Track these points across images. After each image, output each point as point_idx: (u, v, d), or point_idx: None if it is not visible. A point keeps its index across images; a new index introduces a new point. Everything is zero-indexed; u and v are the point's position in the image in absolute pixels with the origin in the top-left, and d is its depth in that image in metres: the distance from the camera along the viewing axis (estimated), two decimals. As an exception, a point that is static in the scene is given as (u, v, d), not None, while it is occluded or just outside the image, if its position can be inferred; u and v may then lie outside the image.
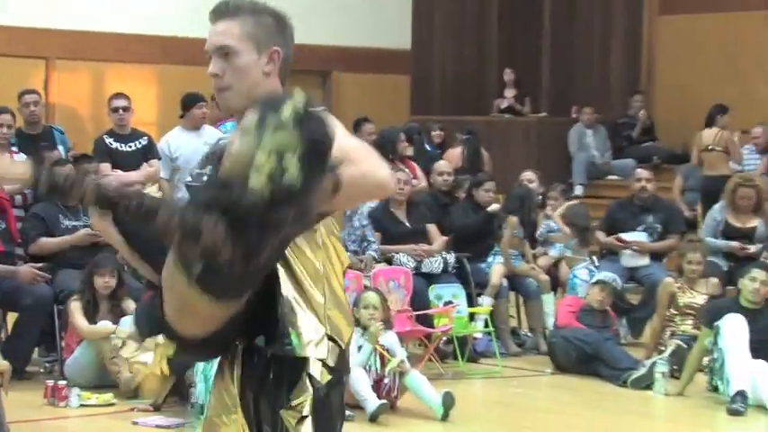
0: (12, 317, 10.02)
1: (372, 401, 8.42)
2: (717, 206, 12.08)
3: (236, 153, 3.05)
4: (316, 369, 3.41)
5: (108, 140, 11.54)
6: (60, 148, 11.54)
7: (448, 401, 8.57)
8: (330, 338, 3.44)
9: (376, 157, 3.35)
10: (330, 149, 3.14)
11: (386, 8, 18.35)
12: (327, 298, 3.48)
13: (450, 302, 10.76)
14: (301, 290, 3.43)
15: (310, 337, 3.41)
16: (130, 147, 11.62)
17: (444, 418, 8.56)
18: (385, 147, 12.68)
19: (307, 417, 3.39)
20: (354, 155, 3.28)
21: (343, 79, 18.00)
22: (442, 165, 12.53)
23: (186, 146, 11.37)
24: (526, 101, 18.94)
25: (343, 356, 3.48)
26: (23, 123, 11.65)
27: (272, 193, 3.00)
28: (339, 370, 3.46)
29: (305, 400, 3.39)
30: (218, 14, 3.60)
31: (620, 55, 19.03)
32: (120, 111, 11.68)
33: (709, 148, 15.50)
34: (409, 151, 13.64)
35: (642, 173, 12.40)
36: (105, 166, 11.15)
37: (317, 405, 3.40)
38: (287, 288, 3.41)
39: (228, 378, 3.49)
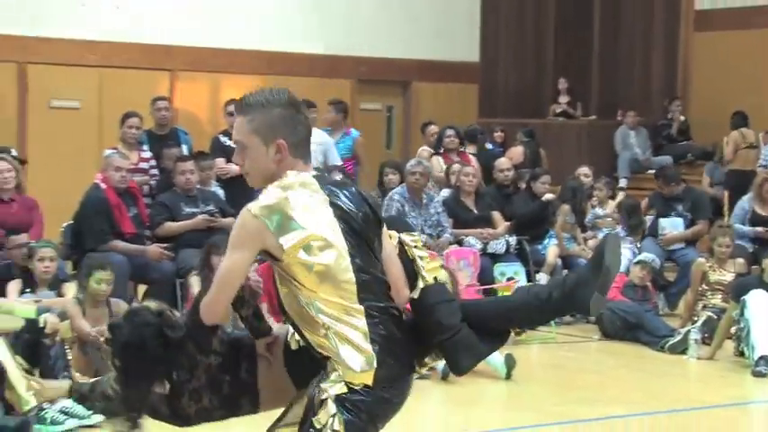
0: (141, 289, 10.16)
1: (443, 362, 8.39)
2: (745, 197, 12.02)
3: None
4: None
5: (223, 139, 11.61)
6: (184, 146, 11.63)
7: (510, 363, 8.54)
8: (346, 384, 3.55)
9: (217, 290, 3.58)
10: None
11: (458, 27, 18.28)
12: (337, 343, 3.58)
13: (511, 278, 10.74)
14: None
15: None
16: (242, 144, 11.70)
17: (507, 377, 8.53)
18: (437, 141, 13.15)
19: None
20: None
21: (421, 88, 17.97)
22: (502, 162, 12.47)
23: None
24: (578, 106, 18.87)
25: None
26: (154, 125, 11.76)
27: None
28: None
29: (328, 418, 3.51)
30: (236, 109, 3.76)
31: (660, 66, 18.84)
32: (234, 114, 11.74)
33: (754, 145, 15.48)
34: (471, 149, 13.70)
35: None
36: (220, 161, 11.22)
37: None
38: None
39: None
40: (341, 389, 3.49)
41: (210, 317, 3.62)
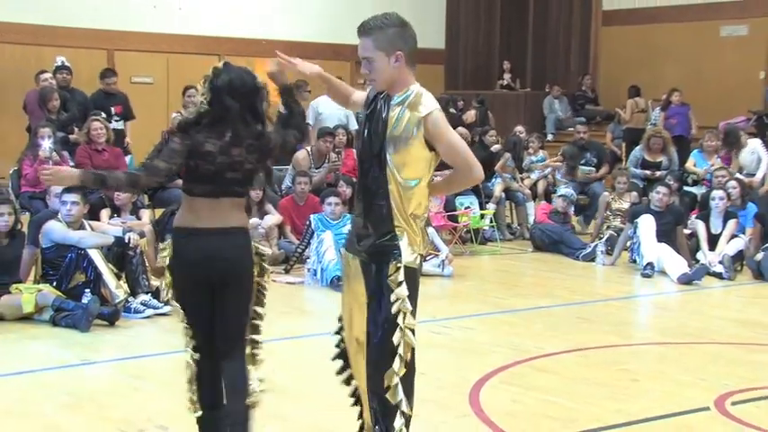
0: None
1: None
2: (637, 148, 12.05)
3: None
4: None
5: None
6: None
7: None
8: (421, 256, 3.52)
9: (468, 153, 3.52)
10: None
11: (429, 22, 18.20)
12: (419, 229, 3.53)
13: (468, 207, 10.70)
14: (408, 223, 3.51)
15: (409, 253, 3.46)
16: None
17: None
18: None
19: (402, 282, 3.44)
20: (457, 147, 3.52)
21: (402, 68, 17.85)
22: (460, 131, 12.29)
23: (327, 107, 11.00)
24: (517, 81, 18.79)
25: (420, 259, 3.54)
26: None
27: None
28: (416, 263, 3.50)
29: (399, 276, 3.43)
30: (360, 32, 3.46)
31: (577, 51, 18.77)
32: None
33: (644, 110, 15.54)
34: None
35: (580, 128, 12.49)
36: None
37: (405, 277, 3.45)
38: (399, 221, 3.47)
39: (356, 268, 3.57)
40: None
41: (480, 175, 3.62)
